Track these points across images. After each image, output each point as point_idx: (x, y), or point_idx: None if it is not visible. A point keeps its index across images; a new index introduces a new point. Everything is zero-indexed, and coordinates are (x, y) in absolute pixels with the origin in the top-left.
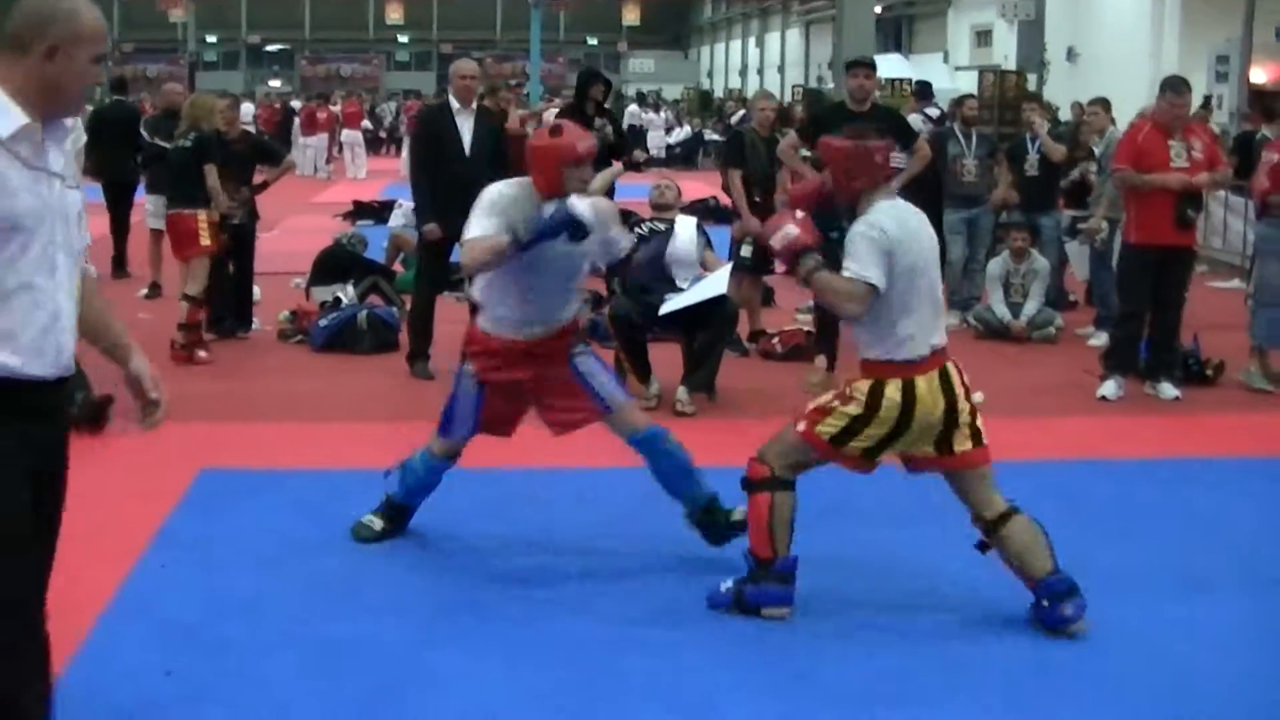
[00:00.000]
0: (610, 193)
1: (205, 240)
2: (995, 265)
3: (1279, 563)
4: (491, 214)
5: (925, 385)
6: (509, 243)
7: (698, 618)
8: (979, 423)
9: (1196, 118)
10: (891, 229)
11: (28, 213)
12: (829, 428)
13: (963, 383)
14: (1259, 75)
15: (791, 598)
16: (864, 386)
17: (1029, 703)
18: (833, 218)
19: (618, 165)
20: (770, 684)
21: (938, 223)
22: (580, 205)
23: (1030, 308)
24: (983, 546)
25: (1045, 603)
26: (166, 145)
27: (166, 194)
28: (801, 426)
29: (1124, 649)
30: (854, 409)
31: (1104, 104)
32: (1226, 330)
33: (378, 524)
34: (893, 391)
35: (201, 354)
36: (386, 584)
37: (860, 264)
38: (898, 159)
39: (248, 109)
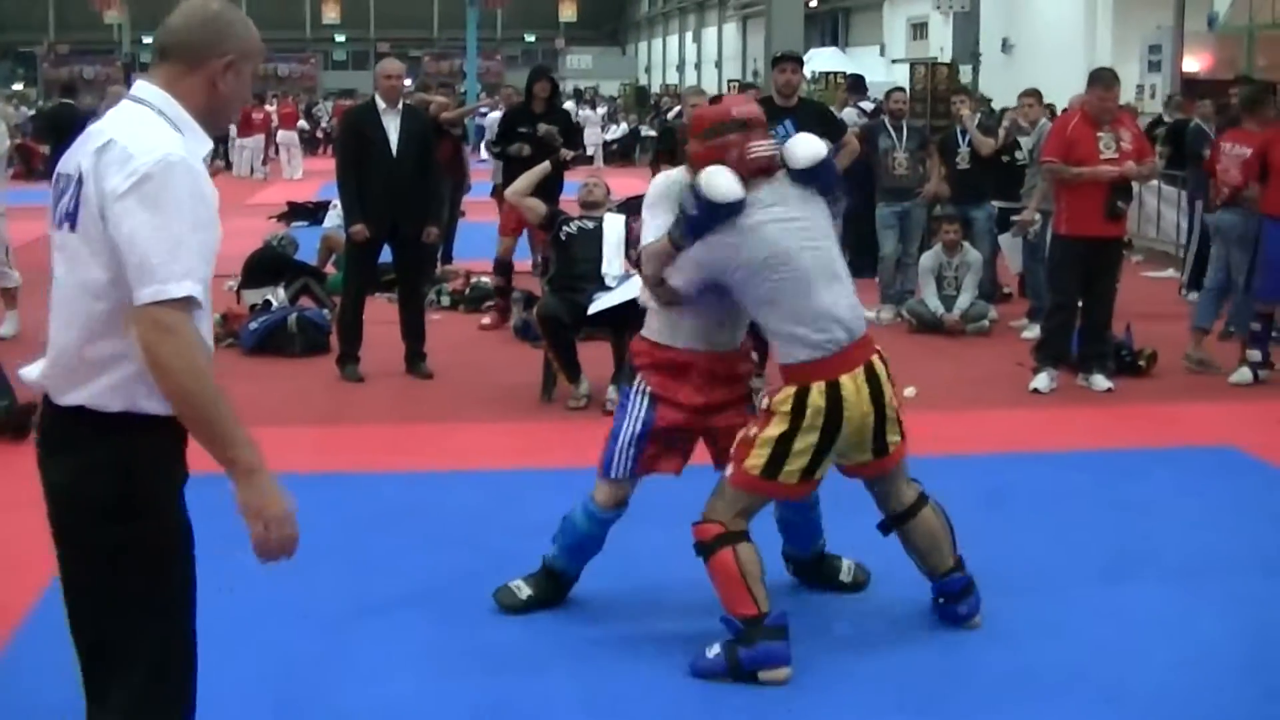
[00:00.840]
0: (548, 191)
1: None
2: (928, 258)
3: (1204, 551)
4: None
5: (851, 384)
6: (667, 244)
7: (620, 619)
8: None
9: (1127, 109)
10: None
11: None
12: (756, 460)
13: (888, 375)
14: (1191, 64)
15: (789, 655)
16: (786, 396)
17: (951, 693)
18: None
19: (544, 165)
20: (690, 691)
21: (870, 216)
22: (713, 178)
23: (963, 300)
24: (884, 528)
25: (941, 600)
26: None
27: None
28: (729, 472)
29: (1048, 639)
30: (776, 428)
31: (1036, 95)
32: (1159, 320)
33: (525, 591)
34: (817, 397)
35: None
36: (307, 590)
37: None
38: (761, 146)
39: None
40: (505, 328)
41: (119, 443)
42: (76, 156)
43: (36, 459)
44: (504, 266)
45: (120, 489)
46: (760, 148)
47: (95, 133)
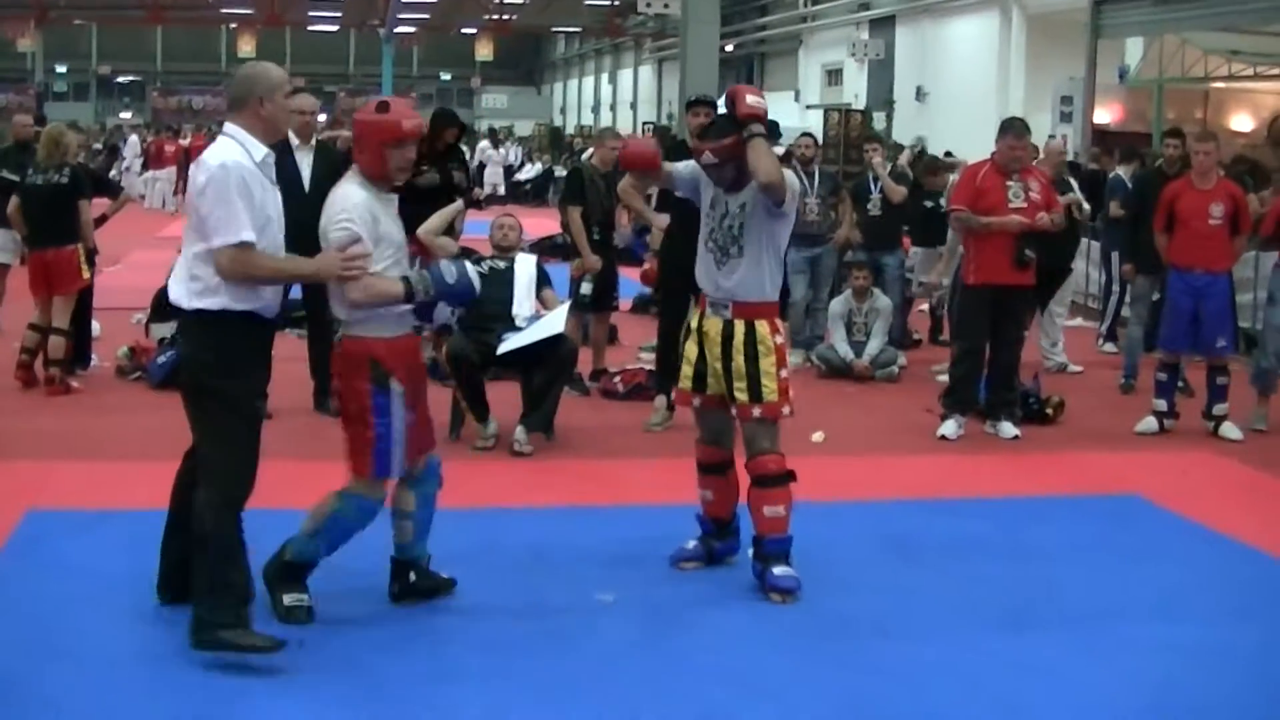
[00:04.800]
0: (452, 230)
1: (86, 274)
2: (837, 304)
3: (1106, 599)
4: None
5: None
6: (402, 293)
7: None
8: None
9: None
10: None
11: (274, 211)
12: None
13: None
14: (1102, 115)
15: None
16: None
17: None
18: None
19: (459, 202)
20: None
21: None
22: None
23: (873, 346)
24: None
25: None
26: (14, 178)
27: (35, 230)
28: (788, 410)
29: (950, 687)
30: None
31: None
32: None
33: (305, 599)
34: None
35: (74, 384)
36: None
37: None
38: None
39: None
40: None
41: None
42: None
43: None
44: None
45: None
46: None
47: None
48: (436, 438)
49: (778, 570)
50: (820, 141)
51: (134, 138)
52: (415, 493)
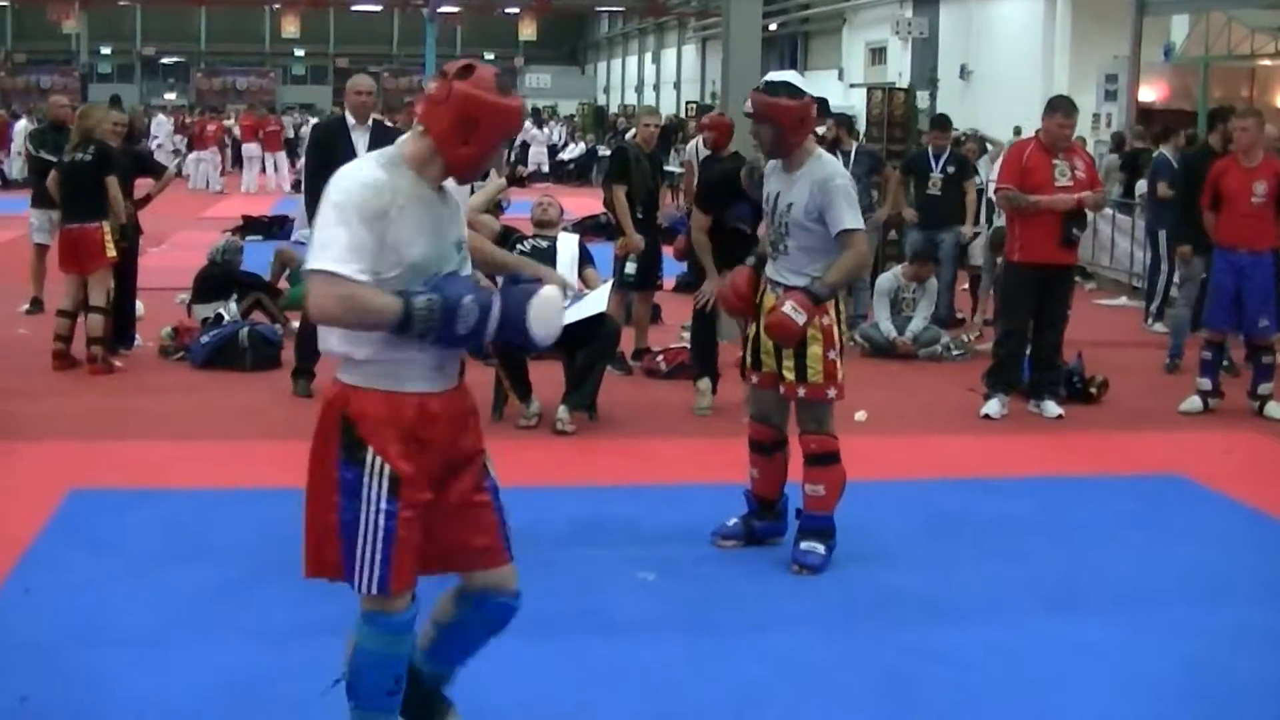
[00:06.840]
0: (497, 208)
1: (111, 252)
2: (886, 280)
3: (1149, 580)
4: (363, 225)
5: None
6: (397, 314)
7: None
8: None
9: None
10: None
11: None
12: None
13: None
14: (1147, 94)
15: None
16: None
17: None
18: None
19: (500, 180)
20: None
21: None
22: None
23: (916, 324)
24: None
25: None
26: (51, 159)
27: (64, 207)
28: (833, 393)
29: (993, 666)
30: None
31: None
32: (1111, 348)
33: None
34: None
35: (117, 364)
36: (255, 607)
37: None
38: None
39: None
40: None
41: None
42: None
43: None
44: None
45: None
46: None
47: None
48: (481, 417)
49: (804, 545)
50: (853, 123)
51: (160, 117)
52: (458, 608)
